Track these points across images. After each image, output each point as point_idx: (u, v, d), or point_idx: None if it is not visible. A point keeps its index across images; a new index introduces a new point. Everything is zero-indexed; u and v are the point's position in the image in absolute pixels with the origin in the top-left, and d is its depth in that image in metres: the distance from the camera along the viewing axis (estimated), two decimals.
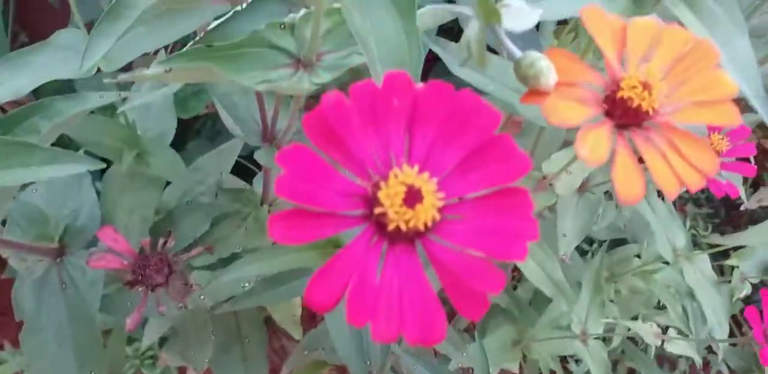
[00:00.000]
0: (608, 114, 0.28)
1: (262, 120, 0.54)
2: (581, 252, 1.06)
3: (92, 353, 0.56)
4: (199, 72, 0.36)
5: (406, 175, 0.23)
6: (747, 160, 0.55)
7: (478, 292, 0.23)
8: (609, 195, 0.67)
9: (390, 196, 0.22)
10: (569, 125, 0.27)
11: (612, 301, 0.88)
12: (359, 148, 0.24)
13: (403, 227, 0.22)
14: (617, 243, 0.89)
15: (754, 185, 1.18)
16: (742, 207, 1.13)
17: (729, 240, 0.73)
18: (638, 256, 0.84)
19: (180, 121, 0.64)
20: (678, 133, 0.28)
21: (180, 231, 0.56)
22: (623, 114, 0.28)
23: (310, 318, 1.01)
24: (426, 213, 0.22)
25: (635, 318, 0.90)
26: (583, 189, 0.63)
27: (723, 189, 0.51)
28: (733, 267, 0.85)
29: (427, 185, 0.23)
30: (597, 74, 0.29)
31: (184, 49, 0.36)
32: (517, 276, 0.95)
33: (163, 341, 0.86)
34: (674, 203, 0.80)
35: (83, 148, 0.58)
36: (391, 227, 0.23)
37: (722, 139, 0.52)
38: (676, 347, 0.64)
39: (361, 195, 0.24)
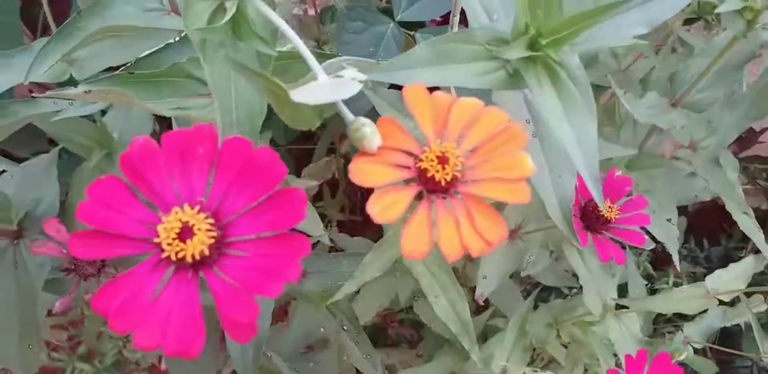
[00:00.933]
0: (419, 180, 0.32)
1: None
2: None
3: (33, 328, 0.62)
4: (115, 95, 0.41)
5: (184, 213, 0.27)
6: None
7: (239, 320, 0.27)
8: (543, 245, 0.70)
9: (166, 230, 0.27)
10: (369, 185, 0.31)
11: (565, 347, 0.91)
12: (161, 185, 0.28)
13: (173, 257, 0.27)
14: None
15: None
16: None
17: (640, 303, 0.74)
18: None
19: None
20: (476, 203, 0.32)
21: None
22: (426, 182, 0.32)
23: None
24: (195, 247, 0.27)
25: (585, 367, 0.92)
26: (513, 236, 0.66)
27: (608, 254, 0.54)
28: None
29: (201, 224, 0.27)
30: (416, 144, 0.33)
31: (110, 74, 0.42)
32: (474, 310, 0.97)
33: None
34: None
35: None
36: (163, 256, 0.27)
37: (611, 208, 0.55)
38: None
39: (157, 225, 0.28)
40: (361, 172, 0.31)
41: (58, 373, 1.26)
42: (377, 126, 0.33)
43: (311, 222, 0.57)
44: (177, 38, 0.45)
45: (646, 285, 1.27)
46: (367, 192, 0.31)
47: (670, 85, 0.65)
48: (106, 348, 1.26)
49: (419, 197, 0.32)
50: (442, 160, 0.31)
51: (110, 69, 0.55)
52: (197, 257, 0.27)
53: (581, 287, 0.89)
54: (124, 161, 0.28)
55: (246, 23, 0.34)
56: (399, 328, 1.12)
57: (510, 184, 0.32)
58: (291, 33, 0.32)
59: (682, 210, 1.35)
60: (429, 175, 0.31)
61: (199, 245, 0.27)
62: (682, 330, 0.84)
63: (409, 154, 0.33)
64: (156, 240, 0.27)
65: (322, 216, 1.05)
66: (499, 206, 0.66)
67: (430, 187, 0.32)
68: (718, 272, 0.69)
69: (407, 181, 0.32)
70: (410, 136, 0.33)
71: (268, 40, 0.34)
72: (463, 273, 0.87)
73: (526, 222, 0.66)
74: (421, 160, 0.31)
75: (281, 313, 1.06)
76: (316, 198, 1.08)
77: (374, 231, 0.93)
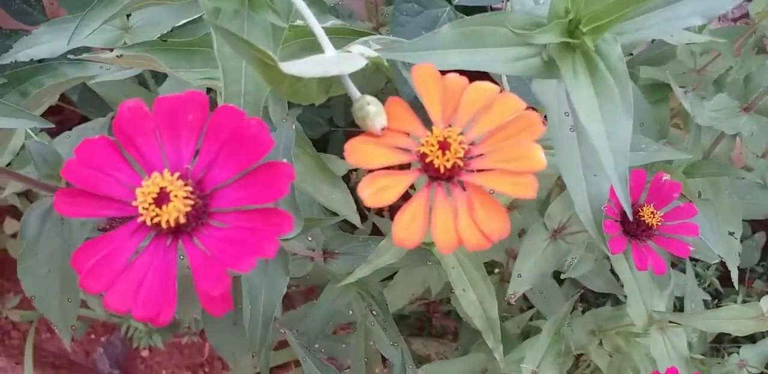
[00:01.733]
0: (421, 166, 0.31)
1: None
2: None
3: (72, 281, 0.64)
4: (146, 61, 0.41)
5: (163, 178, 0.27)
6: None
7: (211, 292, 0.27)
8: (590, 247, 0.67)
9: (143, 194, 0.26)
10: (367, 167, 0.30)
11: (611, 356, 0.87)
12: (149, 150, 0.28)
13: (148, 222, 0.26)
14: None
15: None
16: None
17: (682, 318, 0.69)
18: None
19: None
20: (479, 194, 0.30)
21: None
22: (426, 167, 0.30)
23: (306, 293, 1.06)
24: (170, 214, 0.26)
25: None
26: (555, 235, 0.63)
27: (645, 262, 0.50)
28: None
29: (178, 190, 0.27)
30: (422, 127, 0.31)
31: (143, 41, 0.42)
32: (508, 309, 0.95)
33: None
34: (743, 274, 0.77)
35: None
36: (139, 220, 0.27)
37: (653, 213, 0.51)
38: None
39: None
40: (356, 152, 0.30)
41: (114, 329, 1.32)
42: (386, 106, 0.32)
43: (342, 203, 0.56)
44: None
45: (712, 300, 1.20)
46: None
47: (744, 87, 0.60)
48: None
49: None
50: (444, 146, 0.29)
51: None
52: (172, 224, 0.27)
53: None
54: (116, 124, 0.28)
55: None
56: (442, 319, 1.10)
57: (516, 177, 0.30)
58: (302, 5, 0.31)
59: (761, 224, 1.26)
60: (428, 160, 0.30)
61: (174, 212, 0.26)
62: (738, 353, 0.79)
63: (414, 137, 0.31)
64: (134, 203, 0.27)
65: None
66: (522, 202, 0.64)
67: (431, 173, 0.30)
68: None
69: (408, 166, 0.31)
70: (418, 119, 0.31)
71: (281, 12, 0.33)
72: (507, 271, 0.85)
73: (570, 222, 0.63)
74: (422, 145, 0.30)
75: (312, 291, 1.06)
76: None
77: None
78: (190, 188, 0.27)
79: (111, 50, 0.66)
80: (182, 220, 0.27)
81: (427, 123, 0.32)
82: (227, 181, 0.28)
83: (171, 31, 0.45)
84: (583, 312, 0.88)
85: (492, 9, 0.78)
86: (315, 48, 0.41)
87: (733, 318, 0.63)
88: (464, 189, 0.30)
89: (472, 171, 0.30)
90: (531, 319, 0.90)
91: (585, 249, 0.65)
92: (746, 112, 0.59)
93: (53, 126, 0.42)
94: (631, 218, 0.48)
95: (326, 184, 0.61)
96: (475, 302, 0.59)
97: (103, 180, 0.27)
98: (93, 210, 0.28)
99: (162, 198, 0.26)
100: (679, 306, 0.88)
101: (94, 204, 0.28)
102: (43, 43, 0.56)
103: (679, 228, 0.52)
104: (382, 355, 0.67)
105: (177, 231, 0.28)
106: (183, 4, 0.53)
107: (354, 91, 0.32)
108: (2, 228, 1.29)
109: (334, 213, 0.56)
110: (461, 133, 0.30)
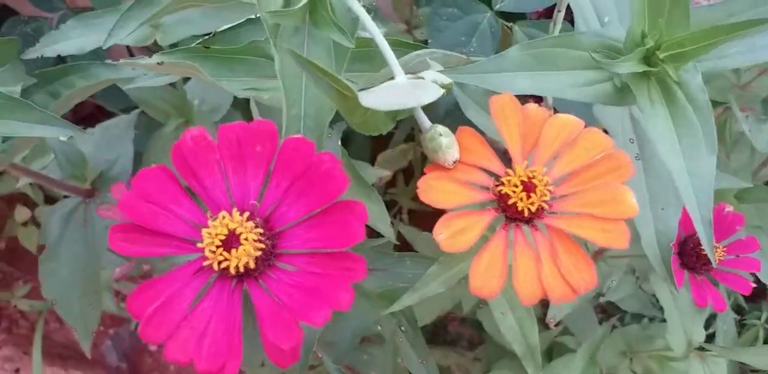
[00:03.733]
0: (497, 205, 0.28)
1: None
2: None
3: (93, 285, 0.62)
4: (187, 69, 0.39)
5: (232, 219, 0.24)
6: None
7: (281, 346, 0.24)
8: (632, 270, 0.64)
9: (211, 236, 0.24)
10: (441, 207, 0.27)
11: None
12: (212, 183, 0.26)
13: (215, 267, 0.24)
14: None
15: None
16: None
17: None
18: None
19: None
20: (563, 239, 0.28)
21: None
22: (505, 208, 0.28)
23: None
24: (240, 259, 0.24)
25: None
26: (596, 257, 0.61)
27: (705, 298, 0.48)
28: None
29: (249, 233, 0.24)
30: (499, 162, 0.29)
31: (186, 46, 0.40)
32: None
33: None
34: None
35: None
36: (205, 264, 0.24)
37: (717, 247, 0.48)
38: None
39: (203, 226, 0.26)
40: (431, 190, 0.27)
41: (122, 322, 1.30)
42: (457, 136, 0.29)
43: (378, 216, 0.54)
44: (258, 14, 0.43)
45: (735, 318, 1.18)
46: None
47: None
48: None
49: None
50: (528, 187, 0.27)
51: (194, 37, 0.53)
52: (241, 269, 0.24)
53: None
54: (175, 153, 0.25)
55: (324, 8, 0.31)
56: (459, 327, 1.08)
57: (605, 224, 0.27)
58: (371, 24, 0.29)
59: None
60: (510, 202, 0.27)
61: (244, 256, 0.24)
62: None
63: (490, 173, 0.29)
64: (199, 244, 0.24)
65: (393, 203, 1.02)
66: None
67: (510, 214, 0.28)
68: None
69: (483, 205, 0.28)
70: (493, 152, 0.29)
71: (346, 29, 0.30)
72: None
73: None
74: (502, 184, 0.28)
75: None
76: (389, 185, 1.05)
77: None
78: (260, 230, 0.25)
79: (143, 50, 0.64)
80: (252, 265, 0.24)
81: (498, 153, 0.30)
82: (297, 219, 0.26)
83: (212, 35, 0.43)
84: (613, 328, 0.86)
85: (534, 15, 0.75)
86: (367, 59, 0.38)
87: None
88: (545, 232, 0.28)
89: (554, 213, 0.28)
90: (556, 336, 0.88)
91: (624, 273, 0.63)
92: None
93: (83, 131, 0.40)
94: (700, 251, 0.46)
95: (362, 196, 0.58)
96: (514, 327, 0.57)
97: (162, 215, 0.25)
98: (151, 248, 0.25)
99: (231, 240, 0.24)
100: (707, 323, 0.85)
101: (153, 241, 0.25)
102: (71, 38, 0.53)
103: (741, 263, 0.49)
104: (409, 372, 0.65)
105: (243, 274, 0.25)
106: (215, 7, 0.51)
107: (425, 121, 0.29)
108: (12, 215, 1.27)
109: (373, 230, 0.54)
110: (545, 173, 0.28)
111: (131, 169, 0.60)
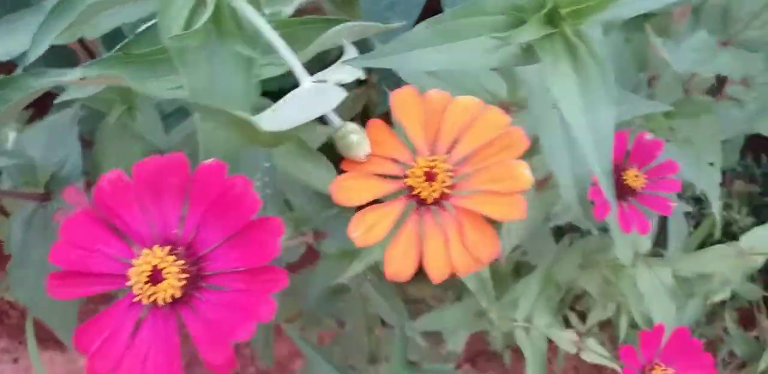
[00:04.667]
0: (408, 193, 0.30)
1: None
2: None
3: None
4: (109, 79, 0.39)
5: (154, 255, 0.26)
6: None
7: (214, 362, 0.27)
8: None
9: (137, 274, 0.26)
10: (354, 204, 0.29)
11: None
12: (134, 219, 0.27)
13: (145, 301, 0.26)
14: None
15: None
16: None
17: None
18: None
19: None
20: (469, 216, 0.30)
21: None
22: (413, 196, 0.30)
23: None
24: (165, 291, 0.26)
25: None
26: (542, 184, 0.63)
27: (630, 224, 0.51)
28: None
29: (171, 267, 0.26)
30: (407, 152, 0.30)
31: (103, 56, 0.39)
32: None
33: None
34: (723, 176, 0.78)
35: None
36: (134, 300, 0.26)
37: (637, 176, 0.51)
38: (591, 356, 0.65)
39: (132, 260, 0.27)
40: (342, 190, 0.29)
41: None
42: (367, 130, 0.31)
43: (328, 180, 0.55)
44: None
45: (695, 209, 1.22)
46: None
47: (721, 21, 0.58)
48: None
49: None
50: (430, 176, 0.29)
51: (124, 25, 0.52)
52: (168, 300, 0.26)
53: None
54: (96, 197, 0.27)
55: (230, 20, 0.31)
56: None
57: (504, 198, 0.29)
58: (274, 37, 0.29)
59: None
60: (415, 192, 0.29)
61: (169, 289, 0.26)
62: None
63: (400, 162, 0.30)
64: (127, 283, 0.26)
65: None
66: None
67: (419, 200, 0.30)
68: (755, 229, 0.66)
69: (397, 194, 0.30)
70: (401, 142, 0.30)
71: (252, 39, 0.30)
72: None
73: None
74: (407, 176, 0.29)
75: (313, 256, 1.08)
76: None
77: None
78: (182, 262, 0.26)
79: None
80: (178, 295, 0.26)
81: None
82: (218, 242, 0.27)
83: (129, 40, 0.42)
84: (570, 243, 0.90)
85: None
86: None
87: (718, 259, 0.65)
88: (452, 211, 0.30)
89: (459, 193, 0.30)
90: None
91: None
92: (724, 47, 0.57)
93: None
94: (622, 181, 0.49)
95: (306, 161, 0.59)
96: None
97: (91, 258, 0.27)
98: (86, 288, 0.27)
99: (156, 276, 0.26)
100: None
101: (88, 282, 0.27)
102: None
103: (662, 185, 0.52)
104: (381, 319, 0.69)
105: (173, 301, 0.27)
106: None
107: (335, 120, 0.31)
108: None
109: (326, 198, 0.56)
110: (446, 158, 0.29)
111: (81, 165, 0.61)
